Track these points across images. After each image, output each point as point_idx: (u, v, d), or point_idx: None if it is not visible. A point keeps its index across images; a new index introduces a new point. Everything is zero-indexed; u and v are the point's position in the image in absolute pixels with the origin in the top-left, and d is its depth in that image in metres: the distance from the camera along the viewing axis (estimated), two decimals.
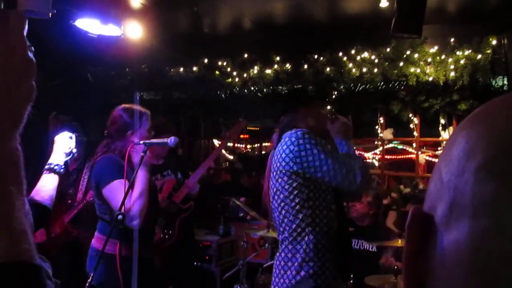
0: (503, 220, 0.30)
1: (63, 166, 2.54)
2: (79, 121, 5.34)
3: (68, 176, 3.78)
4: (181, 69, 5.72)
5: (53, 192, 2.43)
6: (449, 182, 0.34)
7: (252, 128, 8.11)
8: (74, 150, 2.64)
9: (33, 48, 0.50)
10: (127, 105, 3.21)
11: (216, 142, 6.57)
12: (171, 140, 2.95)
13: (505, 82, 4.63)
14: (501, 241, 0.29)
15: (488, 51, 4.59)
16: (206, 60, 5.60)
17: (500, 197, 0.30)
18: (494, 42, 4.60)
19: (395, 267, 3.39)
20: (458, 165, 0.34)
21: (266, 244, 4.37)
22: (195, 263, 4.47)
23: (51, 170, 2.49)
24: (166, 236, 3.82)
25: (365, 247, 3.95)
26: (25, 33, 0.50)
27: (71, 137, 2.65)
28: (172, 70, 5.74)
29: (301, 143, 2.38)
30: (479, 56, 4.61)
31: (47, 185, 2.44)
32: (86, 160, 3.99)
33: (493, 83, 4.72)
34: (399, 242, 3.37)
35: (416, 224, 0.37)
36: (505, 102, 0.36)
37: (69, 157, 2.63)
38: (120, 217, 2.81)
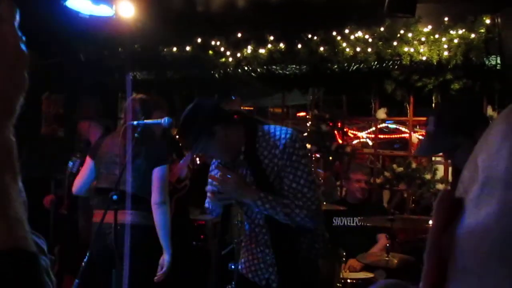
0: None
1: None
2: (71, 100, 5.33)
3: None
4: (174, 49, 5.68)
5: None
6: (483, 163, 0.36)
7: (246, 108, 8.11)
8: None
9: (24, 39, 0.50)
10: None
11: None
12: (165, 120, 2.96)
13: (499, 61, 4.64)
14: None
15: (482, 30, 4.59)
16: (199, 40, 5.55)
17: None
18: (487, 21, 4.60)
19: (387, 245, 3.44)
20: (494, 146, 0.35)
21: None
22: (194, 242, 4.50)
23: None
24: None
25: (361, 223, 3.97)
26: (16, 23, 0.49)
27: None
28: (165, 49, 5.70)
29: None
30: (473, 35, 4.61)
31: None
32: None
33: (487, 63, 4.72)
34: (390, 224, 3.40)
35: (445, 204, 0.37)
36: None
37: None
38: (115, 197, 2.85)
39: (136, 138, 2.90)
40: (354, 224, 4.03)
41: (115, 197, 2.84)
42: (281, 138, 2.21)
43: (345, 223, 4.08)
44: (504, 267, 0.31)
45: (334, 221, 4.07)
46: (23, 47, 0.49)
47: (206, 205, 2.49)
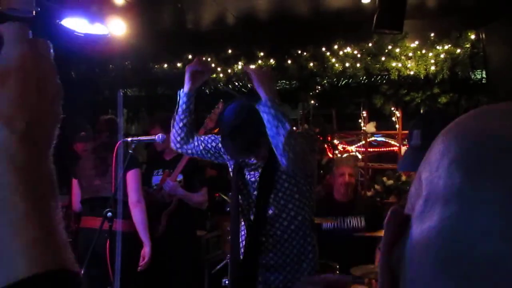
0: (466, 205, 0.34)
1: None
2: (64, 119, 5.32)
3: None
4: (165, 65, 5.72)
5: None
6: (426, 180, 0.38)
7: None
8: None
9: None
10: None
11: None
12: (158, 137, 3.00)
13: (484, 75, 4.75)
14: (465, 223, 0.34)
15: (467, 46, 4.71)
16: (190, 56, 5.61)
17: (466, 185, 0.34)
18: (472, 36, 4.72)
19: None
20: (434, 163, 0.38)
21: None
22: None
23: None
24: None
25: (353, 223, 3.84)
26: (52, 59, 0.53)
27: None
28: (156, 66, 5.74)
29: None
30: (458, 51, 4.73)
31: None
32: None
33: (472, 77, 4.84)
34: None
35: (394, 220, 0.40)
36: (476, 112, 0.41)
37: None
38: (109, 214, 2.87)
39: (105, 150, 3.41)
40: (345, 225, 3.85)
41: (109, 214, 2.87)
42: None
43: (335, 225, 3.86)
44: (449, 280, 0.34)
45: (323, 225, 3.83)
46: (58, 81, 0.53)
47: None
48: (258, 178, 2.37)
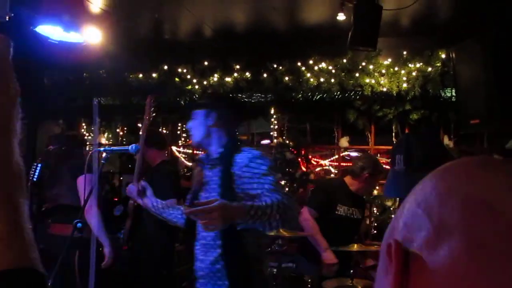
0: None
1: None
2: (34, 125, 5.22)
3: None
4: (140, 75, 5.69)
5: None
6: (431, 215, 0.42)
7: None
8: None
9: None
10: None
11: (175, 149, 6.55)
12: (132, 147, 2.96)
13: (454, 93, 4.88)
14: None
15: (438, 64, 4.84)
16: (166, 67, 5.59)
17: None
18: (443, 55, 4.86)
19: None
20: (440, 198, 0.43)
21: None
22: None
23: None
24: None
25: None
26: (11, 58, 0.53)
27: None
28: (131, 76, 5.70)
29: None
30: (430, 69, 4.85)
31: None
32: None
33: (443, 94, 4.97)
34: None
35: (398, 256, 0.43)
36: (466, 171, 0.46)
37: None
38: (79, 225, 2.82)
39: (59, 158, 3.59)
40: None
41: (79, 225, 2.82)
42: (249, 155, 2.32)
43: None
44: None
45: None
46: (16, 82, 0.53)
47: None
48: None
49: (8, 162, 0.47)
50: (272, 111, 5.63)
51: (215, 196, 2.26)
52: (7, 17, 0.71)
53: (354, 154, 7.22)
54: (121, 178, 6.44)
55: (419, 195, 0.45)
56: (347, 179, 3.80)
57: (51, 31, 3.40)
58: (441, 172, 0.46)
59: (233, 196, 2.25)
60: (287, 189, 5.69)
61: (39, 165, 3.99)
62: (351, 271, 3.44)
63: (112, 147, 3.05)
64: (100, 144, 4.91)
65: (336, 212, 3.70)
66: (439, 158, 1.91)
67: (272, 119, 5.84)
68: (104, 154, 2.95)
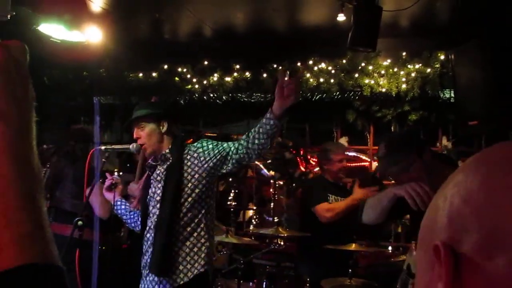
0: None
1: None
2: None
3: None
4: (140, 74, 5.70)
5: None
6: (481, 218, 0.40)
7: (209, 134, 8.13)
8: None
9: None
10: None
11: None
12: (133, 146, 2.98)
13: (452, 94, 4.90)
14: None
15: (437, 65, 4.86)
16: (166, 66, 5.60)
17: None
18: (442, 57, 4.88)
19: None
20: (491, 199, 0.40)
21: (224, 250, 4.42)
22: None
23: None
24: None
25: None
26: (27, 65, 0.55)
27: None
28: (131, 75, 5.71)
29: None
30: (429, 70, 4.88)
31: None
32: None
33: (442, 95, 5.00)
34: None
35: (448, 261, 0.41)
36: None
37: None
38: (80, 223, 2.84)
39: (65, 160, 3.45)
40: None
41: (80, 222, 2.84)
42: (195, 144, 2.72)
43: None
44: None
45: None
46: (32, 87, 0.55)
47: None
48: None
49: (30, 163, 0.49)
50: None
51: (160, 191, 2.69)
52: (8, 16, 0.73)
53: (352, 154, 7.25)
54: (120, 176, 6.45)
55: (463, 190, 0.42)
56: (324, 173, 4.16)
57: (53, 30, 3.41)
58: (488, 163, 0.43)
59: (179, 186, 2.60)
60: (285, 188, 5.71)
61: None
62: (350, 270, 3.45)
63: (113, 146, 3.07)
64: (102, 143, 4.91)
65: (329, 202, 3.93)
66: (420, 144, 2.21)
67: None
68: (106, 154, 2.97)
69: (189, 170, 2.65)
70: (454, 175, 0.45)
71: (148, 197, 2.80)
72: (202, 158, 2.63)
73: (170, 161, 2.71)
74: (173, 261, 2.61)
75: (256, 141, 2.49)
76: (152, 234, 2.69)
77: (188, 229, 2.63)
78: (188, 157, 2.67)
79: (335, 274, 3.56)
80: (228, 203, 5.20)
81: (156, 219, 2.68)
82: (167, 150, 2.75)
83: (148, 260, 2.69)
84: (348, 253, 3.52)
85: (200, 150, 2.66)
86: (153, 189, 2.78)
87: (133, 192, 3.48)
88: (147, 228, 2.75)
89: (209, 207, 2.70)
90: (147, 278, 2.74)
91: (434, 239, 0.43)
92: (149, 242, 2.72)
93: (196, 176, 2.64)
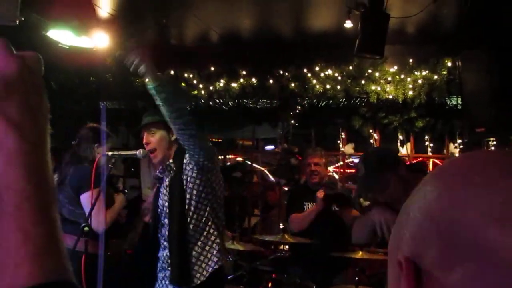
0: None
1: None
2: None
3: None
4: (147, 80, 5.70)
5: None
6: (442, 233, 0.40)
7: (214, 140, 8.14)
8: None
9: None
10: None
11: None
12: (139, 152, 2.97)
13: (459, 101, 4.89)
14: None
15: (444, 72, 4.85)
16: (172, 72, 5.61)
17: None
18: (449, 63, 4.87)
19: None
20: (449, 211, 0.41)
21: (230, 256, 4.40)
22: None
23: None
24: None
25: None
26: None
27: None
28: (137, 80, 5.72)
29: None
30: (436, 77, 4.86)
31: None
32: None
33: (448, 102, 4.98)
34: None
35: (410, 275, 0.42)
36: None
37: None
38: (86, 228, 2.83)
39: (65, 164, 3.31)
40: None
41: (86, 229, 2.83)
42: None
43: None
44: None
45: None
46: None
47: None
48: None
49: (45, 177, 0.49)
50: (277, 117, 5.64)
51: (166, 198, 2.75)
52: (18, 22, 0.73)
53: (357, 160, 7.23)
54: (125, 181, 6.46)
55: (423, 204, 0.43)
56: (306, 179, 4.16)
57: (61, 36, 3.42)
58: (446, 177, 0.43)
59: (183, 197, 2.64)
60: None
61: None
62: (356, 278, 3.43)
63: (120, 152, 3.06)
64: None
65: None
66: (394, 161, 2.23)
67: (277, 125, 5.85)
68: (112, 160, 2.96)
69: (187, 177, 2.69)
70: (416, 191, 0.46)
71: (159, 210, 2.84)
72: (188, 160, 2.69)
73: (173, 171, 2.76)
74: (190, 266, 2.63)
75: (172, 119, 2.57)
76: (167, 246, 2.73)
77: (198, 230, 2.67)
78: (187, 162, 2.72)
79: (342, 282, 3.54)
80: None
81: (167, 233, 2.73)
82: (171, 160, 2.79)
83: (167, 273, 2.72)
84: (354, 260, 3.50)
85: (187, 153, 2.70)
86: (161, 202, 2.82)
87: (149, 197, 3.51)
88: (163, 239, 2.80)
89: (213, 202, 2.71)
90: (163, 282, 2.77)
91: (398, 254, 0.44)
92: (165, 252, 2.75)
93: (192, 179, 2.67)
